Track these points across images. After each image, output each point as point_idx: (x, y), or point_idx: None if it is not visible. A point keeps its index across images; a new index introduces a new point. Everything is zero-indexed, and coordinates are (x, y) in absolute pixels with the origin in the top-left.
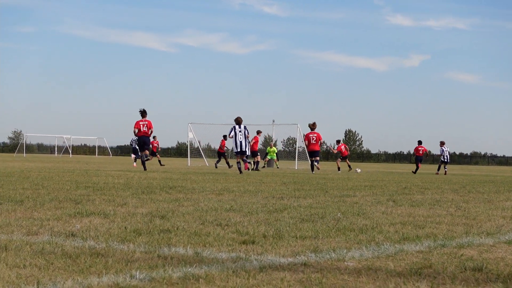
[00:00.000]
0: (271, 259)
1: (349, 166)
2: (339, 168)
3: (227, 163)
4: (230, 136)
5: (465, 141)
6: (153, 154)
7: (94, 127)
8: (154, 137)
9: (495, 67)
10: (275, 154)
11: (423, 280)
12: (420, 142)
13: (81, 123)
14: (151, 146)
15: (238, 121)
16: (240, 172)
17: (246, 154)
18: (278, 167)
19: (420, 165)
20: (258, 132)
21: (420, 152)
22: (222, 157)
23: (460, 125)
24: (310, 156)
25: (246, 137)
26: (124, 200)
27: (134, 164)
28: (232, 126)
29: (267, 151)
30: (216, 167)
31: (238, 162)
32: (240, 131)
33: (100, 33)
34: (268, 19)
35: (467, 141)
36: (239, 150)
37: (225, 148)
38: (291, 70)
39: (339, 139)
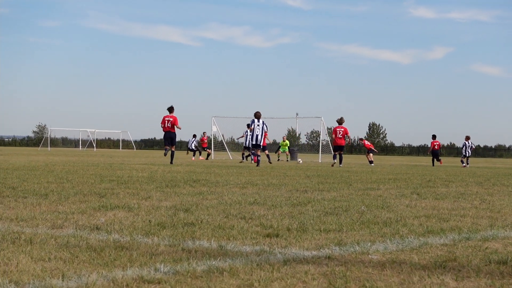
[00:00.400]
0: (295, 252)
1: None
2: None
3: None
4: (250, 128)
5: (489, 133)
6: (203, 149)
7: (118, 121)
8: (203, 133)
9: None
10: (287, 147)
11: (448, 273)
12: (434, 137)
13: (105, 116)
14: (200, 142)
15: (257, 115)
16: (257, 164)
17: (260, 147)
18: (287, 160)
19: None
20: None
21: (436, 146)
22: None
23: (484, 117)
24: (334, 150)
25: (262, 131)
26: (148, 193)
27: (193, 158)
28: (252, 119)
29: (279, 144)
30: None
31: (256, 155)
32: (258, 125)
33: (124, 27)
34: (292, 12)
35: (491, 133)
36: (254, 142)
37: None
38: (315, 63)
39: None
